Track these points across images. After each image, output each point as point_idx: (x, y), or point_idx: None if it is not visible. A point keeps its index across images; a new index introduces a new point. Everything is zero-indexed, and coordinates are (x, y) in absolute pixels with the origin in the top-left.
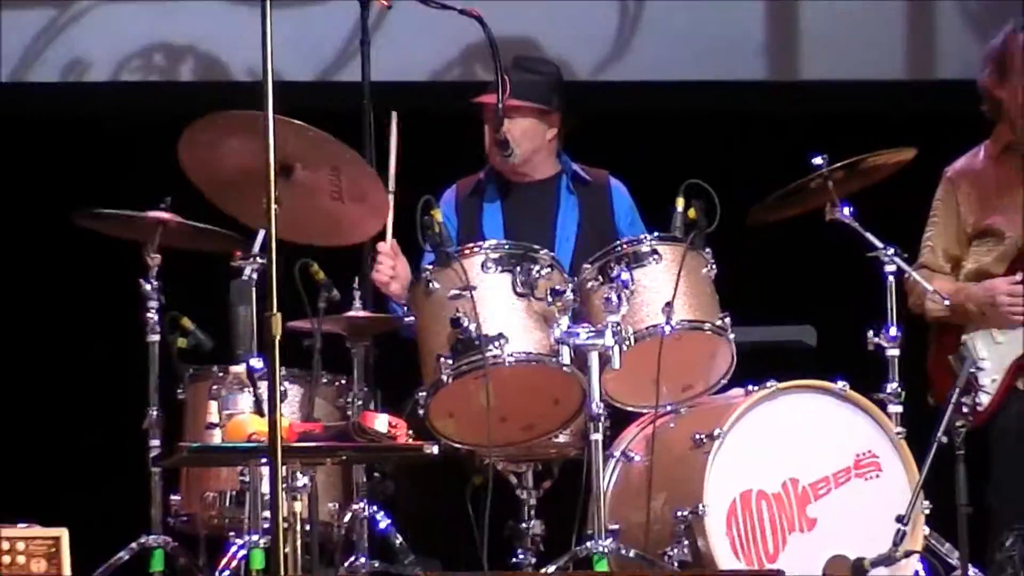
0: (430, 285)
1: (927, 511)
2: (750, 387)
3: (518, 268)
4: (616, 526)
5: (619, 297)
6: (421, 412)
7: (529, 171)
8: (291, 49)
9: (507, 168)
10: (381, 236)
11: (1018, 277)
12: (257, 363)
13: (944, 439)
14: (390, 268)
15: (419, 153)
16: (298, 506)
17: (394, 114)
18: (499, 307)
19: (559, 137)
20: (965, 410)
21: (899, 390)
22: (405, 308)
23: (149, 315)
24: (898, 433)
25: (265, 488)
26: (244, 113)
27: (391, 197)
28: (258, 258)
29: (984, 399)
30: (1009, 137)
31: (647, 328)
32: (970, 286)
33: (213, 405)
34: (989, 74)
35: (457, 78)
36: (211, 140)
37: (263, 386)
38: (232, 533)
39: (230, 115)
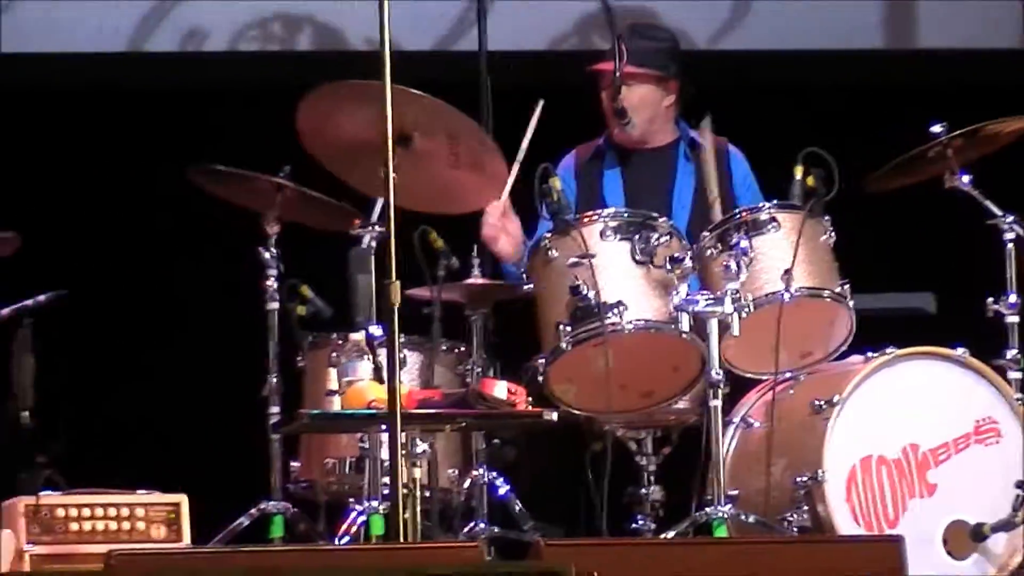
0: (549, 253)
1: None
2: (869, 354)
3: (637, 236)
4: (735, 492)
5: (738, 264)
6: (540, 379)
7: (647, 139)
8: (408, 19)
9: (624, 138)
10: None
11: None
12: (376, 331)
13: None
14: (496, 221)
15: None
16: (417, 472)
17: (540, 102)
18: (618, 275)
19: (677, 104)
20: None
21: (1019, 356)
22: (519, 271)
23: (268, 283)
24: (1018, 399)
25: (384, 455)
26: (361, 83)
27: (514, 171)
28: (377, 226)
29: None
30: None
31: (766, 295)
32: None
33: (332, 372)
34: None
35: (574, 47)
36: (328, 110)
37: (382, 353)
38: (352, 499)
39: (347, 85)
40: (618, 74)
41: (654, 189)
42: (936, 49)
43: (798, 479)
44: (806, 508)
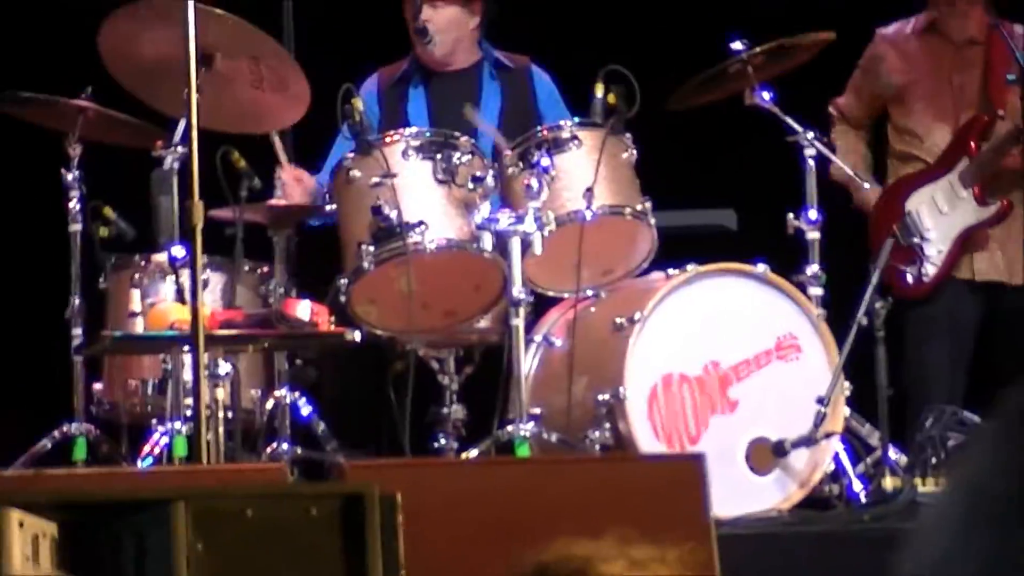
0: (351, 173)
1: (848, 392)
2: (670, 271)
3: (439, 155)
4: (538, 410)
5: (540, 183)
6: (343, 299)
7: (452, 60)
8: None
9: (428, 57)
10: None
11: None
12: (179, 251)
13: (864, 320)
14: (298, 191)
15: (341, 39)
16: (220, 393)
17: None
18: (420, 194)
19: (481, 25)
20: (910, 279)
21: (819, 272)
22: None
23: (71, 205)
24: (819, 315)
25: (187, 376)
26: (164, 1)
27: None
28: (179, 148)
29: (931, 270)
30: (933, 15)
31: (568, 213)
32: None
33: (135, 294)
34: None
35: None
36: (131, 30)
37: (185, 274)
38: (155, 420)
39: (148, 3)
40: None
41: (459, 110)
42: None
43: (599, 397)
44: (608, 426)
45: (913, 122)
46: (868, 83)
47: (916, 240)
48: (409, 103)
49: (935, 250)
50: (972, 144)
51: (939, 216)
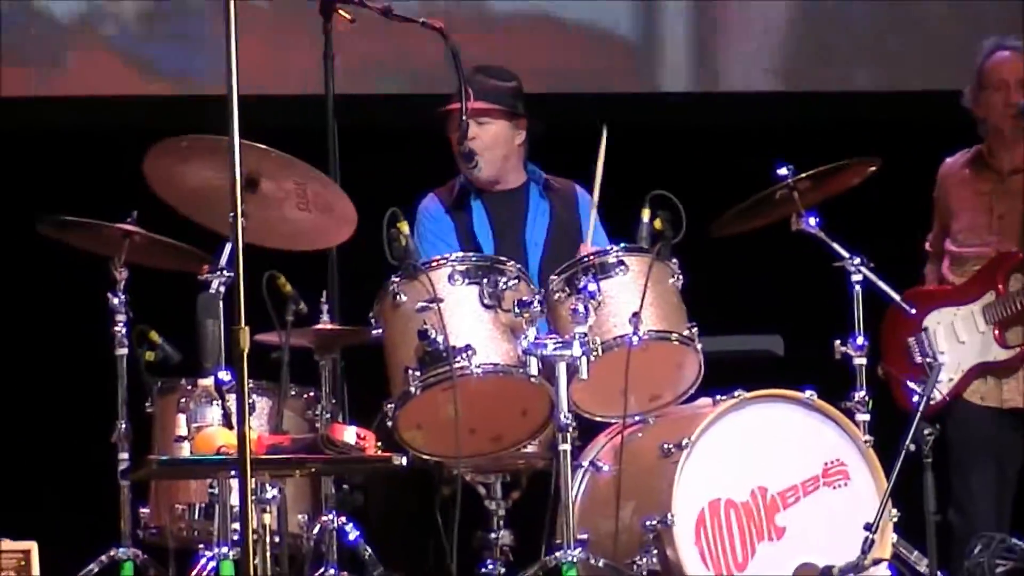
0: (397, 297)
1: (895, 519)
2: (718, 397)
3: (485, 280)
4: (585, 536)
5: (586, 308)
6: (389, 424)
7: (499, 179)
8: (258, 63)
9: (476, 179)
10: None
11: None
12: (225, 376)
13: (912, 447)
14: None
15: (385, 166)
16: (267, 518)
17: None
18: (466, 319)
19: (526, 144)
20: (916, 400)
21: (867, 398)
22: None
23: (117, 328)
24: (866, 441)
25: (234, 500)
26: (206, 137)
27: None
28: (225, 271)
29: (936, 395)
30: (983, 150)
31: (614, 339)
32: None
33: (182, 418)
34: (970, 90)
35: (421, 91)
36: (175, 160)
37: (232, 399)
38: (201, 545)
39: (193, 139)
40: (464, 116)
41: (509, 227)
42: (787, 92)
43: (647, 523)
44: (655, 552)
45: (956, 245)
46: (937, 210)
47: (928, 360)
48: (473, 215)
49: (945, 376)
50: (1000, 280)
51: (955, 343)
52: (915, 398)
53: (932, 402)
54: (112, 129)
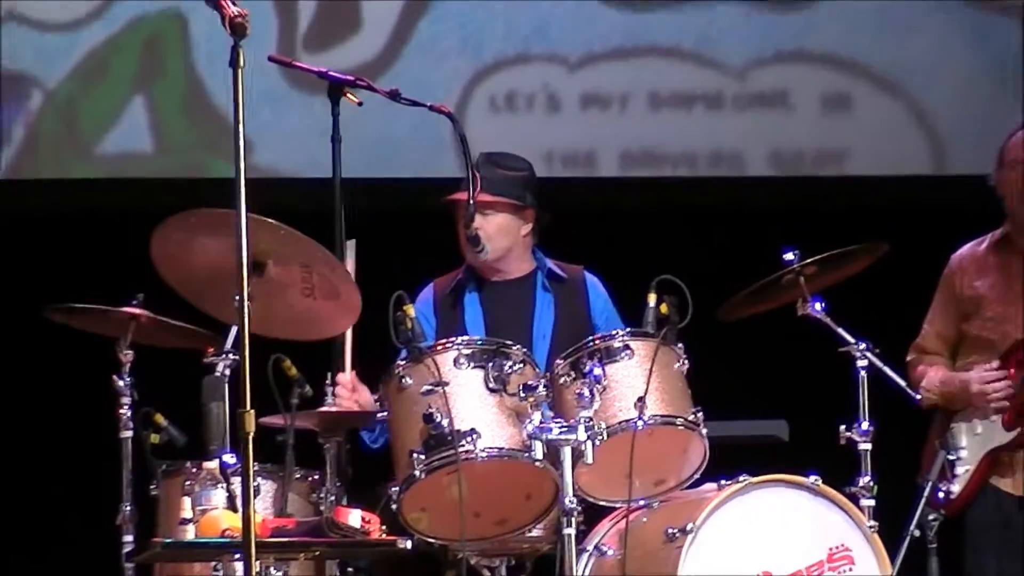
0: (403, 381)
1: None
2: (723, 481)
3: (490, 364)
4: None
5: (591, 392)
6: (394, 507)
7: (504, 268)
8: (264, 145)
9: (480, 265)
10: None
11: (992, 365)
12: (230, 459)
13: (916, 532)
14: (348, 396)
15: (393, 249)
16: None
17: (351, 242)
18: (472, 402)
19: (533, 233)
20: (941, 496)
21: (871, 484)
22: (375, 438)
23: (122, 411)
24: (871, 527)
25: None
26: (215, 212)
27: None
28: (230, 354)
29: (956, 488)
30: (1008, 228)
31: (620, 423)
32: (949, 376)
33: (186, 501)
34: (996, 168)
35: (429, 174)
36: (183, 238)
37: (236, 482)
38: None
39: (199, 213)
40: (471, 202)
41: (514, 319)
42: (790, 177)
43: None
44: None
45: (987, 331)
46: (944, 301)
47: (952, 456)
48: (465, 311)
49: (963, 468)
50: (1012, 366)
51: (973, 436)
52: (925, 484)
53: (952, 496)
54: (120, 210)
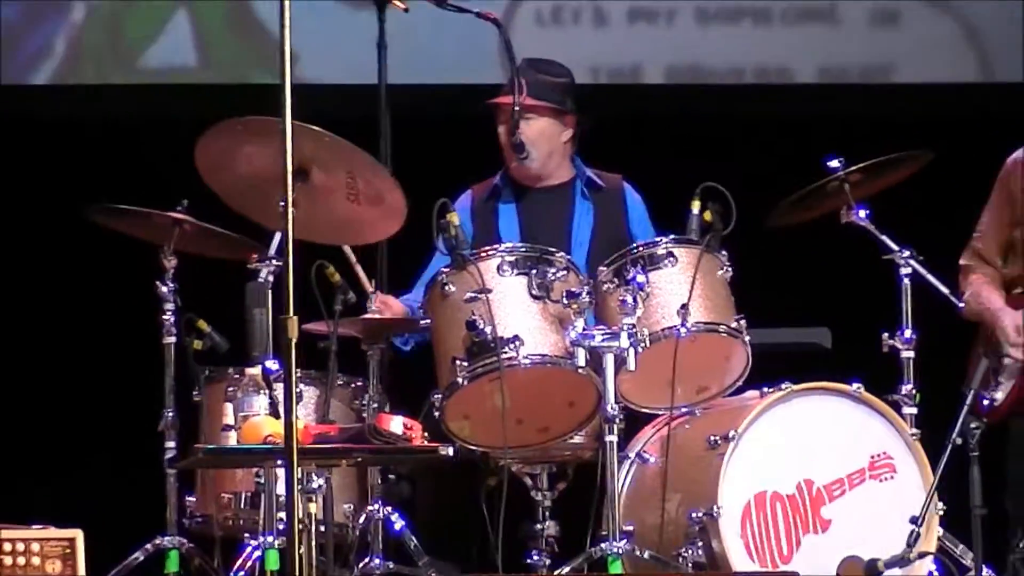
0: (446, 288)
1: (941, 512)
2: (765, 389)
3: (534, 271)
4: (630, 527)
5: (634, 299)
6: (436, 414)
7: (545, 176)
8: (309, 51)
9: (523, 173)
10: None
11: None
12: (273, 365)
13: (959, 440)
14: (382, 309)
15: (435, 157)
16: (313, 507)
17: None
18: (514, 309)
19: (573, 140)
20: (985, 404)
21: (913, 392)
22: (406, 341)
23: (165, 317)
24: (913, 434)
25: (280, 489)
26: (259, 119)
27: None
28: (274, 261)
29: (999, 396)
30: None
31: (662, 330)
32: (990, 300)
33: (229, 407)
34: None
35: (474, 81)
36: (227, 145)
37: (279, 388)
38: (247, 534)
39: (245, 121)
40: (516, 108)
41: (552, 226)
42: (834, 84)
43: (693, 514)
44: (700, 544)
45: None
46: (999, 204)
47: (996, 365)
48: (500, 220)
49: (1006, 377)
50: None
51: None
52: (968, 392)
53: (996, 403)
54: (165, 116)
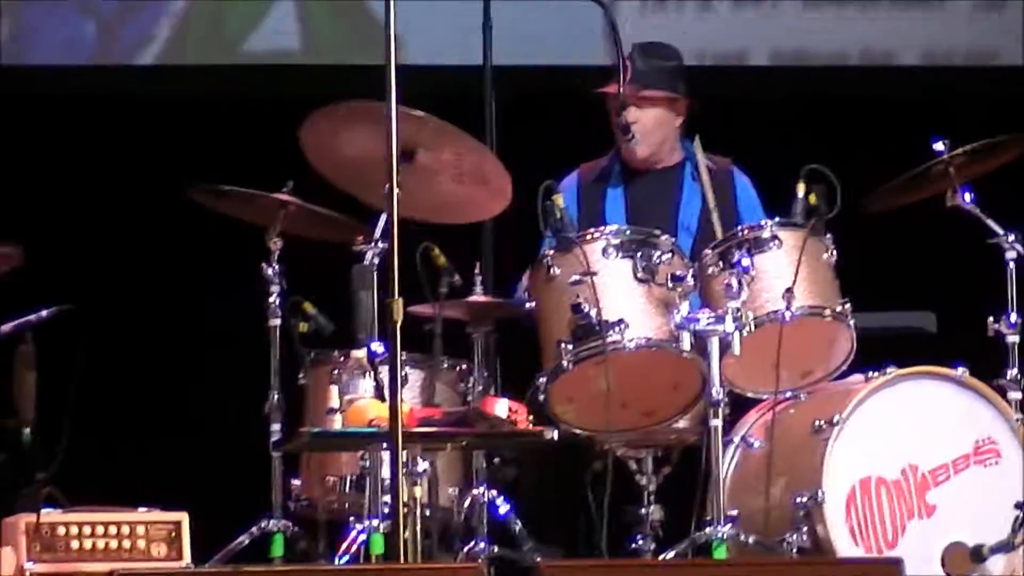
0: (551, 271)
1: None
2: (870, 373)
3: (639, 253)
4: (735, 512)
5: (739, 283)
6: (541, 398)
7: (656, 159)
8: (415, 32)
9: (631, 155)
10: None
11: None
12: (378, 348)
13: None
14: None
15: (541, 137)
16: (418, 491)
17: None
18: (620, 293)
19: (684, 124)
20: None
21: (1019, 376)
22: (525, 294)
23: (271, 299)
24: (1018, 420)
25: (385, 473)
26: (366, 104)
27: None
28: (379, 243)
29: None
30: None
31: (767, 314)
32: None
33: (334, 390)
34: None
35: (579, 62)
36: (332, 128)
37: (384, 371)
38: (352, 518)
39: (350, 105)
40: (622, 91)
41: (658, 210)
42: (943, 67)
43: (798, 499)
44: (805, 529)
45: None
46: None
47: None
48: (607, 202)
49: None
50: None
51: None
52: None
53: None
54: (270, 98)
